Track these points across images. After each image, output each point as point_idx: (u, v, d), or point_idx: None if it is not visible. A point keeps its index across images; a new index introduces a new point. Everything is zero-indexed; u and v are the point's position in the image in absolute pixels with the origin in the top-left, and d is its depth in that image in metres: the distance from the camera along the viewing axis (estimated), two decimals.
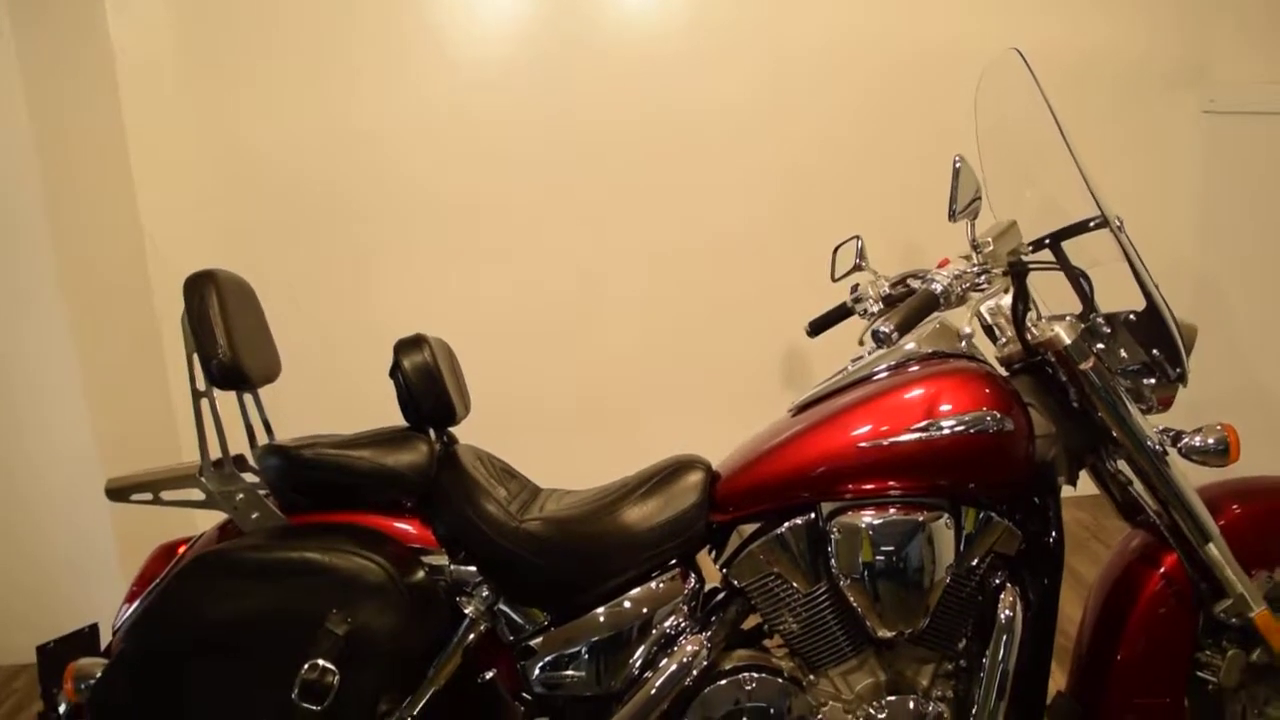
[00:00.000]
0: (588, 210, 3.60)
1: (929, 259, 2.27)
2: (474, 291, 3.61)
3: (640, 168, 3.58)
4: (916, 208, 3.41)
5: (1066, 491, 1.95)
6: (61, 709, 1.87)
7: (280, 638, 1.68)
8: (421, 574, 1.79)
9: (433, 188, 3.56)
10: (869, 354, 1.97)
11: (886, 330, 1.65)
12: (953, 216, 1.80)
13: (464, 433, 2.05)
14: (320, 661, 1.65)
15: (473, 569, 1.85)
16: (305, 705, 1.65)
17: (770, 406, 2.21)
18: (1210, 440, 1.84)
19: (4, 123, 2.91)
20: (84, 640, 1.96)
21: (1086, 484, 2.01)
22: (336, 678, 1.66)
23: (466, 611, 1.82)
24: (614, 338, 3.68)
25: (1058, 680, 1.98)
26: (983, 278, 1.82)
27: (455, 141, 3.53)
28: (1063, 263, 1.90)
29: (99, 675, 1.78)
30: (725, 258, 3.64)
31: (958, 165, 1.79)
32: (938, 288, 1.77)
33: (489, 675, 1.83)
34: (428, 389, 1.87)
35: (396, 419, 1.94)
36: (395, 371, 1.88)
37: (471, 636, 1.82)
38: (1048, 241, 1.91)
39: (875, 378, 1.91)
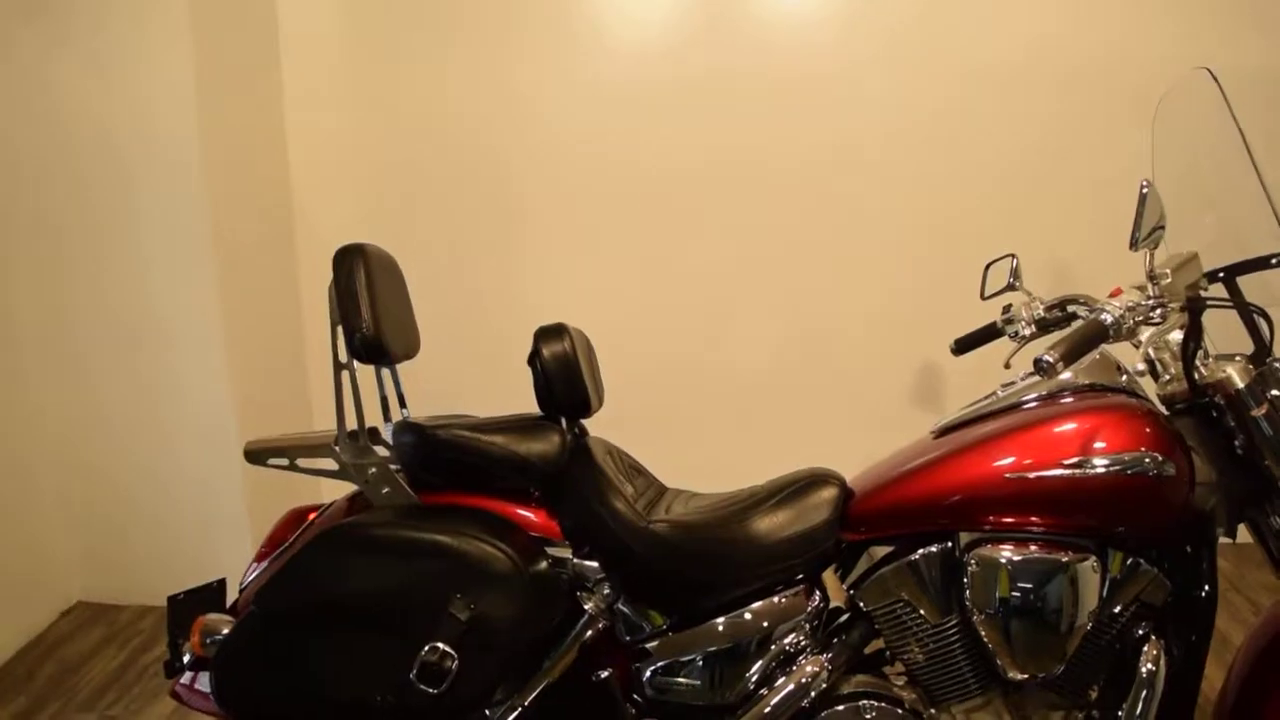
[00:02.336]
0: (736, 211, 3.54)
1: (1083, 285, 2.17)
2: (615, 283, 3.59)
3: (795, 169, 3.50)
4: (1078, 231, 3.29)
5: None
6: (186, 659, 1.92)
7: (404, 617, 1.69)
8: (545, 565, 1.77)
9: (581, 175, 3.55)
10: (1021, 380, 1.88)
11: (1050, 360, 1.56)
12: (1134, 245, 1.69)
13: (593, 424, 2.03)
14: (441, 645, 1.66)
15: (595, 565, 1.83)
16: (422, 686, 1.65)
17: (901, 423, 2.15)
18: None
19: (171, 91, 3.01)
20: (211, 594, 2.01)
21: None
22: (455, 662, 1.66)
23: (586, 607, 1.80)
24: (750, 341, 3.62)
25: None
26: (1157, 311, 1.72)
27: (608, 130, 3.51)
28: (1238, 300, 1.78)
29: (225, 632, 1.82)
30: (869, 266, 3.54)
31: (1145, 190, 1.68)
32: (1108, 318, 1.66)
33: (603, 675, 1.81)
34: (565, 379, 1.85)
35: (527, 405, 1.93)
36: (534, 359, 1.87)
37: (589, 633, 1.80)
38: (1222, 275, 1.80)
39: (1026, 406, 1.83)
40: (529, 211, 3.60)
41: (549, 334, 1.88)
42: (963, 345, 2.24)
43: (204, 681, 1.92)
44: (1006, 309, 2.15)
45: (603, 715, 1.83)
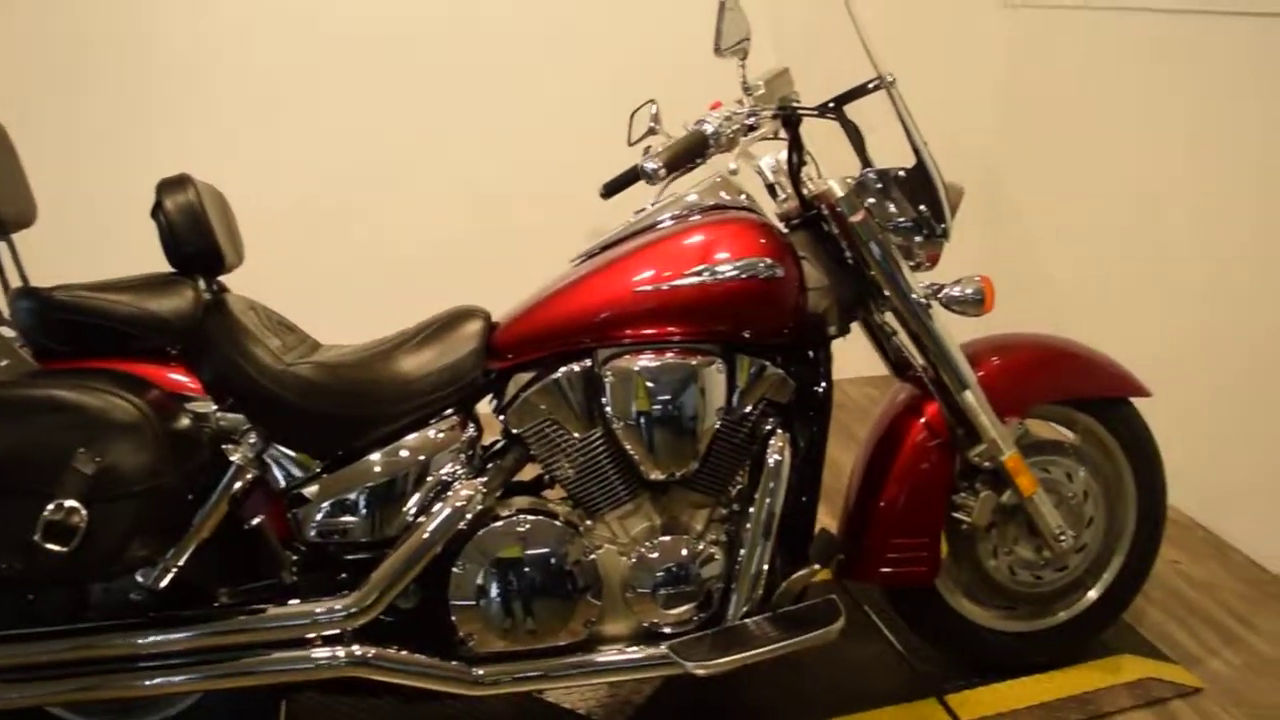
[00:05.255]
0: (383, 62, 3.42)
1: None
2: (268, 148, 3.39)
3: (443, 30, 3.44)
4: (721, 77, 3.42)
5: (859, 370, 2.01)
6: None
7: (20, 477, 1.59)
8: (185, 420, 1.73)
9: (223, 30, 3.31)
10: (651, 206, 1.98)
11: (653, 167, 1.66)
12: (718, 51, 1.82)
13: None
14: (66, 501, 1.59)
15: (240, 416, 1.80)
16: (49, 546, 1.58)
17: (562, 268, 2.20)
18: (968, 290, 1.94)
19: None
20: None
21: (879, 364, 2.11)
22: (84, 518, 1.60)
23: (233, 459, 1.77)
24: (407, 199, 3.53)
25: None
26: (753, 119, 1.85)
27: None
28: (841, 120, 1.94)
29: None
30: (520, 119, 3.53)
31: (725, 3, 1.80)
32: (709, 128, 1.79)
33: (255, 522, 1.79)
34: (191, 230, 1.78)
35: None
36: (157, 211, 1.79)
37: (238, 485, 1.78)
38: (831, 106, 1.95)
39: (659, 228, 1.93)
40: (161, 65, 3.29)
41: (171, 185, 1.80)
42: (610, 189, 2.31)
43: None
44: (647, 150, 2.24)
45: (263, 565, 1.82)
